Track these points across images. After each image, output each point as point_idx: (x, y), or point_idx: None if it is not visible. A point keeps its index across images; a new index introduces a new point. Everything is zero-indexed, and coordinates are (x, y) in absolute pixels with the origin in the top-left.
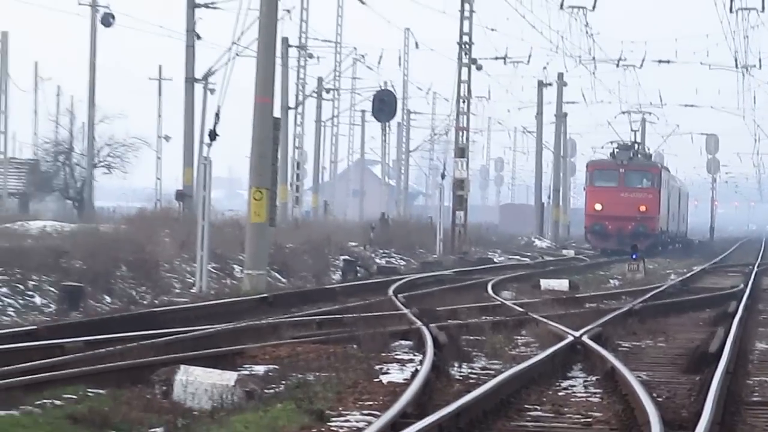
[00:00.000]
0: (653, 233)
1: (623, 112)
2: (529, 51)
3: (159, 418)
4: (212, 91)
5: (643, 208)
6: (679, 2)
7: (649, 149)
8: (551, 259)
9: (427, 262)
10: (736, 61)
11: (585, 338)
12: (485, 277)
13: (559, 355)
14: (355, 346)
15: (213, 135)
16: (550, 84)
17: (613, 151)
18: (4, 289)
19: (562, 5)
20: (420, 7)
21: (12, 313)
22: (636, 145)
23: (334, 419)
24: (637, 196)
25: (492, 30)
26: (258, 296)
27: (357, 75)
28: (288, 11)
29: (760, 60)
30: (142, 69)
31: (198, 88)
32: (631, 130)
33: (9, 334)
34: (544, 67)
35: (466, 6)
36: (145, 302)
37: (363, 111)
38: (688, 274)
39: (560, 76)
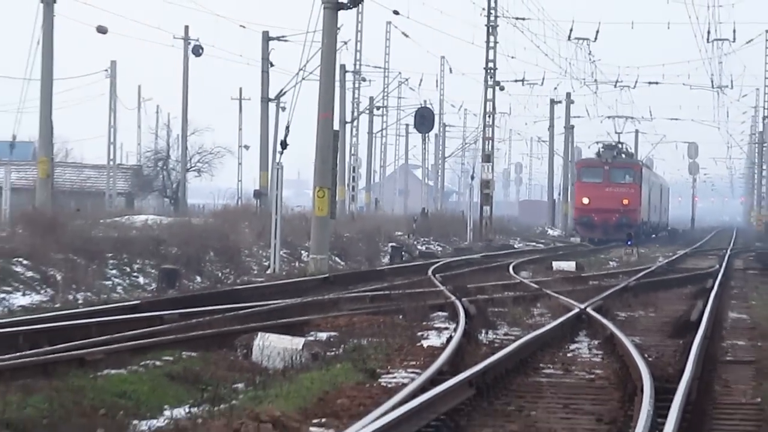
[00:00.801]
0: (635, 224)
1: (608, 117)
2: (542, 75)
3: (240, 376)
4: (283, 108)
5: (625, 202)
6: (665, 34)
7: (630, 149)
8: (561, 245)
9: (459, 248)
10: (712, 82)
11: (589, 310)
12: (507, 260)
13: (567, 323)
14: (400, 316)
15: (284, 145)
16: (559, 102)
17: (599, 150)
18: (114, 271)
19: (569, 37)
20: (453, 39)
21: (120, 291)
22: (620, 145)
23: (383, 376)
24: (620, 191)
25: (512, 57)
26: (321, 276)
27: (402, 95)
28: (345, 43)
29: (731, 81)
30: (225, 90)
31: (271, 106)
32: (616, 132)
33: (118, 307)
34: (555, 88)
35: (491, 38)
36: (228, 281)
37: (407, 124)
38: (674, 257)
39: (568, 95)
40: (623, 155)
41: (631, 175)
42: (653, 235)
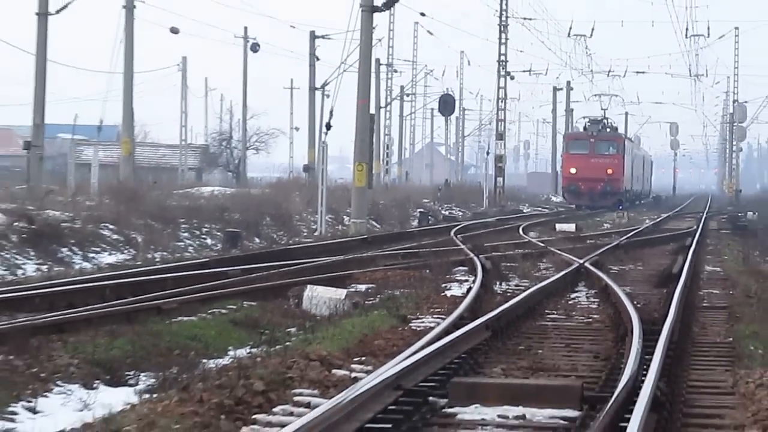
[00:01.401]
0: (618, 191)
1: (595, 95)
2: (546, 66)
3: (292, 321)
4: (327, 96)
5: (609, 171)
6: (650, 31)
7: (614, 123)
8: (562, 209)
9: (477, 213)
10: (690, 71)
11: (587, 264)
12: (517, 222)
13: (568, 276)
14: (427, 271)
15: (328, 126)
16: (561, 89)
17: (585, 124)
18: (186, 234)
19: (569, 34)
20: (471, 36)
21: (191, 250)
22: (605, 120)
23: (413, 321)
24: (604, 161)
25: (521, 51)
26: (360, 237)
27: (427, 84)
28: (379, 40)
29: (706, 71)
30: (278, 81)
31: (317, 94)
32: (602, 108)
33: (189, 264)
34: (557, 77)
35: (503, 35)
36: (282, 242)
37: (432, 109)
38: (658, 220)
39: (568, 83)
40: (608, 129)
41: (614, 147)
42: (640, 201)
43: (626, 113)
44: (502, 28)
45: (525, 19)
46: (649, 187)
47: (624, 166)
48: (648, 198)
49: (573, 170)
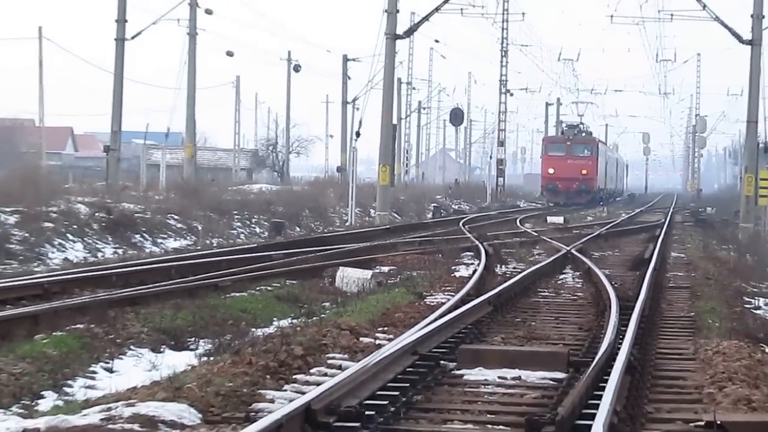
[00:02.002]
0: (593, 190)
1: (573, 102)
2: (540, 85)
3: (327, 297)
4: (357, 108)
5: (584, 171)
6: (627, 56)
7: (589, 128)
8: (552, 205)
9: (481, 207)
10: (659, 90)
11: (573, 250)
12: (515, 215)
13: (558, 260)
14: (440, 255)
15: (357, 134)
16: (552, 104)
17: (563, 129)
18: (238, 223)
19: (559, 58)
20: (478, 59)
21: (242, 237)
22: (581, 125)
23: (428, 297)
24: (579, 162)
25: (519, 72)
26: (384, 227)
27: (440, 99)
28: (401, 62)
29: (673, 89)
30: (316, 95)
31: (349, 107)
32: (578, 114)
33: (241, 249)
34: (549, 94)
35: (504, 59)
36: (318, 231)
37: (444, 120)
38: (632, 213)
39: (558, 99)
40: (583, 133)
41: (588, 149)
42: (615, 199)
43: (606, 125)
44: (503, 53)
45: (522, 45)
46: (624, 186)
47: (597, 166)
48: (623, 196)
49: (551, 170)
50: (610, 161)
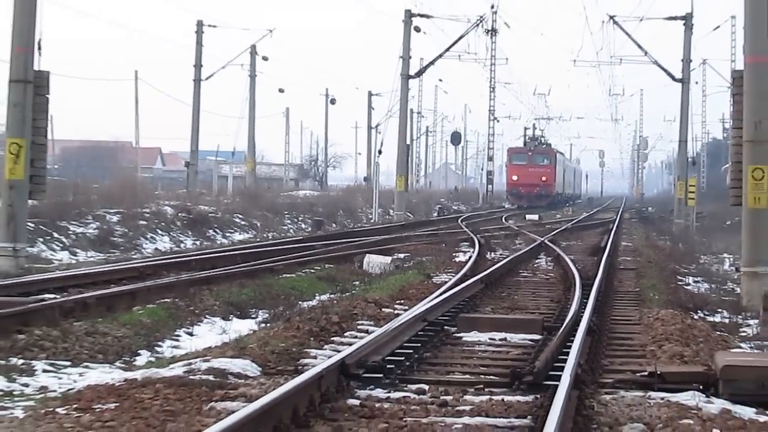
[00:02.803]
0: (551, 194)
1: (536, 119)
2: (520, 113)
3: (356, 277)
4: (379, 132)
5: (543, 178)
6: (587, 91)
7: (548, 141)
8: (528, 206)
9: (475, 208)
10: (612, 117)
11: (546, 241)
12: (501, 214)
13: (534, 248)
14: (443, 245)
15: (379, 152)
16: (529, 128)
17: (525, 141)
18: (288, 221)
19: (534, 93)
20: (472, 93)
21: (291, 231)
22: (541, 138)
23: (434, 277)
24: (539, 170)
25: (503, 104)
26: (400, 223)
27: (443, 125)
28: (413, 96)
29: (622, 116)
30: (348, 122)
31: (373, 131)
32: (540, 129)
33: (290, 240)
34: (527, 120)
35: (492, 94)
36: (349, 226)
37: (446, 140)
38: (591, 212)
39: (533, 125)
40: (543, 145)
41: (547, 159)
42: (574, 202)
43: (570, 144)
44: (491, 89)
45: (506, 83)
46: (581, 191)
47: (555, 174)
48: (583, 199)
49: (515, 177)
50: (569, 170)
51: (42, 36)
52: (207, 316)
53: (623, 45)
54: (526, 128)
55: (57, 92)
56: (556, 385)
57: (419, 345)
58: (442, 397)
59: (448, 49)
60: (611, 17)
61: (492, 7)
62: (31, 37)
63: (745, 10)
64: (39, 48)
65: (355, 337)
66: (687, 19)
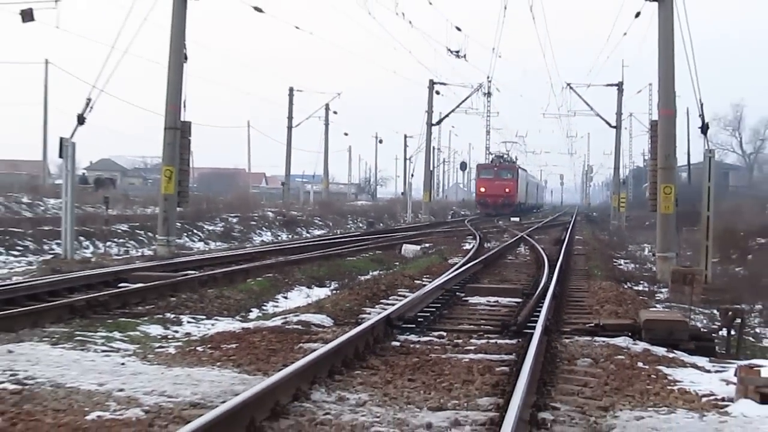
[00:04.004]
0: (514, 204)
1: (503, 142)
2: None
3: (397, 260)
4: (411, 162)
5: (507, 190)
6: (552, 135)
7: (513, 158)
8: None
9: (475, 213)
10: (569, 151)
11: (524, 235)
12: (494, 218)
13: (516, 240)
14: (455, 237)
15: (411, 175)
16: (516, 161)
17: (492, 158)
18: (350, 222)
19: (516, 135)
20: (474, 136)
21: (353, 229)
22: (505, 155)
23: (449, 259)
24: (503, 183)
25: (496, 143)
26: (426, 223)
27: (455, 157)
28: (435, 138)
29: (576, 151)
30: (391, 153)
31: (408, 161)
32: (506, 150)
33: (352, 235)
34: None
35: (488, 136)
36: (392, 226)
37: (457, 168)
38: (554, 216)
39: (516, 158)
40: (507, 162)
41: (510, 173)
42: (537, 210)
43: (541, 170)
44: (487, 132)
45: (497, 129)
46: (543, 201)
47: (518, 187)
48: (545, 208)
49: (483, 189)
50: (531, 184)
51: (185, 97)
52: (296, 285)
53: (576, 103)
54: (495, 153)
55: (195, 134)
56: (532, 333)
57: (439, 305)
58: (455, 341)
59: (458, 106)
60: (568, 84)
61: (488, 77)
62: (179, 98)
63: (659, 79)
64: (184, 106)
65: (397, 300)
66: (619, 86)
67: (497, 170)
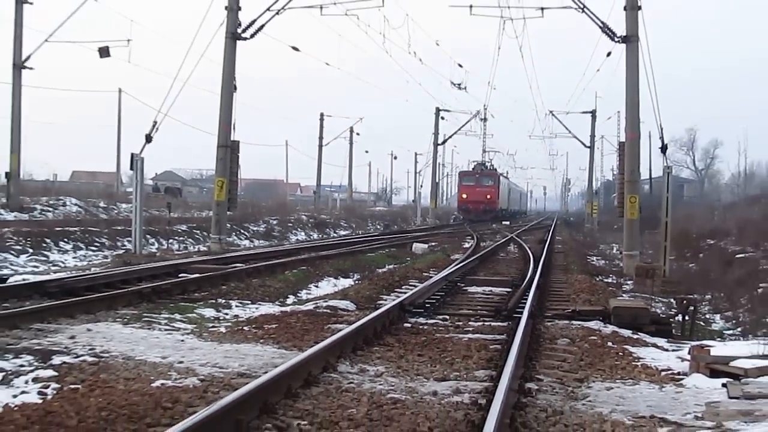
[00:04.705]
0: (495, 210)
1: (485, 151)
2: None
3: (408, 255)
4: (421, 174)
5: (488, 197)
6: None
7: (494, 166)
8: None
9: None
10: (551, 167)
11: (514, 236)
12: (490, 223)
13: (507, 240)
14: (456, 238)
15: (420, 186)
16: (507, 178)
17: (474, 166)
18: (370, 224)
19: (506, 153)
20: (473, 154)
21: (371, 230)
22: (487, 163)
23: (452, 255)
24: (485, 190)
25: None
26: (432, 226)
27: (456, 172)
28: (440, 155)
29: (557, 167)
30: (404, 168)
31: (418, 175)
32: (489, 160)
33: (371, 235)
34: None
35: (484, 154)
36: (404, 228)
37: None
38: (539, 220)
39: (506, 172)
40: (488, 169)
41: (492, 180)
42: (525, 215)
43: (527, 182)
44: (483, 152)
45: (492, 149)
46: (527, 208)
47: (499, 193)
48: (528, 214)
49: (464, 196)
50: (514, 191)
51: (234, 120)
52: (325, 276)
53: (557, 127)
54: (476, 161)
55: (242, 151)
56: (520, 317)
57: (443, 294)
58: (456, 323)
59: (459, 129)
60: (550, 111)
61: (484, 105)
62: (230, 121)
63: (626, 108)
64: (233, 127)
65: (408, 289)
66: (593, 113)
67: (478, 177)
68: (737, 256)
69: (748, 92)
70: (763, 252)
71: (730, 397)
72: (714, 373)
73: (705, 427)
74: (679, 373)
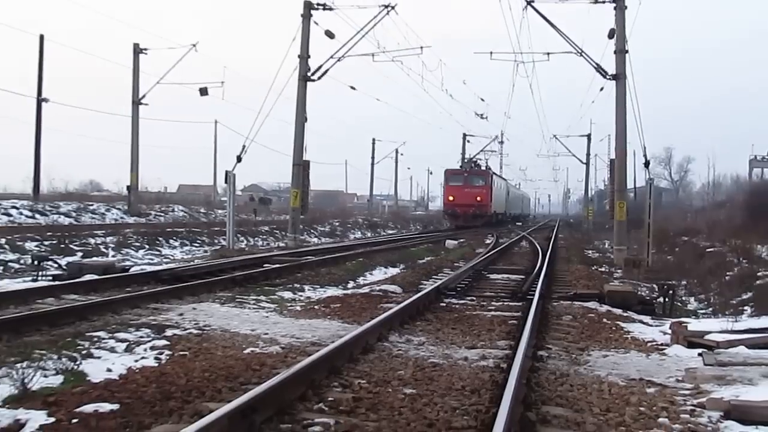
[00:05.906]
0: (486, 214)
1: (481, 150)
2: (513, 177)
3: (443, 250)
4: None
5: (479, 198)
6: (543, 168)
7: (484, 164)
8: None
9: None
10: (554, 179)
11: (525, 234)
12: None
13: (520, 238)
14: (480, 236)
15: (429, 200)
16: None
17: (462, 164)
18: (412, 226)
19: (519, 168)
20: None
21: (413, 230)
22: (476, 161)
23: (477, 250)
24: (474, 191)
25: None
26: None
27: None
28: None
29: (559, 179)
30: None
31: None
32: (484, 158)
33: (413, 233)
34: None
35: (501, 170)
36: (438, 228)
37: None
38: (545, 222)
39: (519, 183)
40: (478, 167)
41: (483, 180)
42: (527, 218)
43: (535, 191)
44: (500, 167)
45: (507, 165)
46: (528, 212)
47: (491, 195)
48: (529, 218)
49: (451, 198)
50: (512, 193)
51: (306, 144)
52: (378, 266)
53: (559, 148)
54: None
55: (312, 167)
56: (532, 298)
57: (471, 279)
58: (481, 303)
59: (481, 150)
60: (554, 135)
61: (501, 131)
62: (302, 145)
63: (616, 131)
64: (305, 150)
65: (443, 276)
66: (588, 136)
67: (467, 176)
68: (707, 250)
69: (715, 119)
70: (729, 247)
71: (706, 365)
72: (691, 345)
73: (685, 388)
74: (662, 344)
